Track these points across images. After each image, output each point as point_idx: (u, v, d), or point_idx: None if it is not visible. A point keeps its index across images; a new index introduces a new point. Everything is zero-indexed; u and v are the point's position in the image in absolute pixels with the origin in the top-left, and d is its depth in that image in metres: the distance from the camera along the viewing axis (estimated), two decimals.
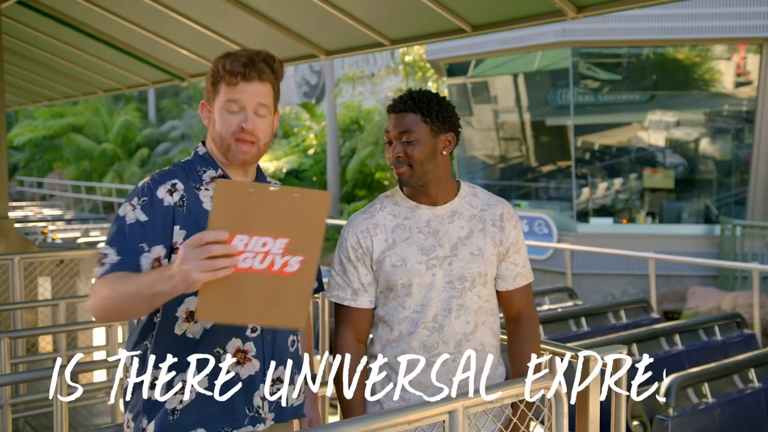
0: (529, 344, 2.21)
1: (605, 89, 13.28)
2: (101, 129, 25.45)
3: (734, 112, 12.95)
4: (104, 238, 11.25)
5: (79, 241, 9.90)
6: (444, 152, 2.12)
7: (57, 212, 15.55)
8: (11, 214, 7.23)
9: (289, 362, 1.98)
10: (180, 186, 1.87)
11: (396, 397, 2.12)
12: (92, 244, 9.25)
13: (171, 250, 1.83)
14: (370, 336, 2.22)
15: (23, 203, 18.39)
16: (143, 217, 1.81)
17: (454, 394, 2.06)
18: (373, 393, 2.17)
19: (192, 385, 1.83)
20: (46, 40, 6.69)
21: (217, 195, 1.48)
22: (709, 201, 13.13)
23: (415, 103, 2.09)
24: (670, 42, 12.41)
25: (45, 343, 5.64)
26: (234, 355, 1.86)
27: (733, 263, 10.28)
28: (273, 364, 1.92)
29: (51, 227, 11.27)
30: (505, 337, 2.38)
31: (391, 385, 2.13)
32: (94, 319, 1.87)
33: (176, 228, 1.83)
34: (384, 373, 2.15)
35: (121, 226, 1.81)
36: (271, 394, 1.93)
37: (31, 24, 6.28)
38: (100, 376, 5.22)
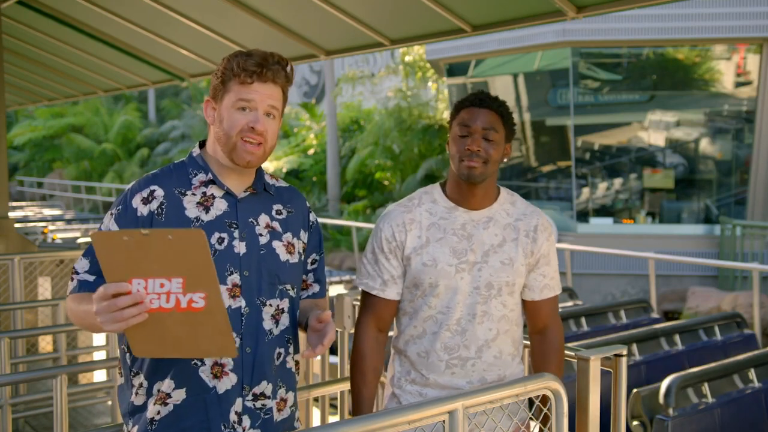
0: (554, 357, 2.20)
1: (605, 89, 13.28)
2: (101, 129, 25.47)
3: (734, 112, 12.95)
4: None
5: (79, 241, 9.90)
6: (505, 160, 2.15)
7: (57, 212, 15.57)
8: (11, 214, 7.23)
9: (274, 376, 1.91)
10: (159, 193, 1.85)
11: (413, 393, 2.14)
12: None
13: None
14: (394, 329, 2.22)
15: (23, 203, 18.41)
16: (114, 227, 1.84)
17: None
18: (391, 387, 2.18)
19: (170, 395, 1.82)
20: (46, 40, 6.69)
21: (96, 247, 1.55)
22: (709, 201, 13.14)
23: (499, 105, 2.10)
24: (670, 42, 12.41)
25: (45, 343, 5.64)
26: (211, 368, 1.83)
27: (733, 263, 10.29)
28: (253, 378, 1.87)
29: (51, 227, 11.28)
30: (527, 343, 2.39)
31: (410, 380, 2.14)
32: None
33: None
34: (404, 368, 2.16)
35: None
36: (255, 409, 1.87)
37: (31, 24, 6.28)
38: (100, 376, 5.22)
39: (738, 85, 12.76)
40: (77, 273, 1.84)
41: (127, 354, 1.88)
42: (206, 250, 1.55)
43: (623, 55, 13.10)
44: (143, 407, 1.85)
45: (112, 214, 1.87)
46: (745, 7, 11.66)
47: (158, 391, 1.83)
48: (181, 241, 1.55)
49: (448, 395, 2.03)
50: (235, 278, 1.86)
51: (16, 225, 6.89)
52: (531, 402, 2.07)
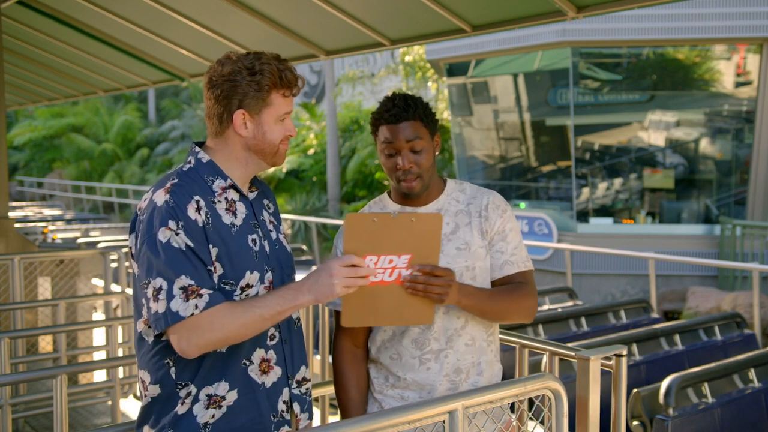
0: (517, 290, 2.11)
1: (605, 89, 13.27)
2: (101, 129, 25.45)
3: (734, 112, 12.95)
4: (104, 238, 11.12)
5: (79, 241, 9.92)
6: (436, 153, 2.17)
7: (57, 212, 15.56)
8: (11, 214, 7.23)
9: (306, 360, 2.04)
10: (202, 203, 1.84)
11: (395, 396, 2.13)
12: (92, 244, 9.25)
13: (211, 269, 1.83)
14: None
15: (23, 203, 18.42)
16: (191, 243, 1.79)
17: (447, 390, 2.07)
18: (371, 394, 2.18)
19: (224, 398, 1.85)
20: (46, 40, 6.69)
21: (347, 227, 1.80)
22: (709, 201, 13.13)
23: (414, 110, 2.08)
24: (670, 42, 12.40)
25: (45, 343, 5.64)
26: (259, 366, 1.89)
27: (733, 263, 10.28)
28: (294, 366, 1.98)
29: (51, 227, 11.30)
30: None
31: (389, 385, 2.14)
32: (182, 354, 1.81)
33: (210, 246, 1.82)
34: (382, 374, 2.16)
35: (177, 253, 1.77)
36: (301, 395, 1.98)
37: (31, 24, 6.27)
38: (100, 376, 5.22)
39: (738, 85, 12.75)
40: (198, 292, 1.75)
41: (172, 368, 1.85)
42: (440, 231, 1.87)
43: (623, 55, 13.09)
44: (189, 414, 1.84)
45: (174, 230, 1.77)
46: (745, 7, 11.65)
47: (208, 396, 1.84)
48: (420, 223, 1.84)
49: (428, 396, 2.05)
50: (270, 276, 1.92)
51: (16, 225, 6.89)
52: (531, 401, 2.07)
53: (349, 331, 2.16)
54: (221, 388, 1.84)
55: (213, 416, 1.84)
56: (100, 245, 8.92)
